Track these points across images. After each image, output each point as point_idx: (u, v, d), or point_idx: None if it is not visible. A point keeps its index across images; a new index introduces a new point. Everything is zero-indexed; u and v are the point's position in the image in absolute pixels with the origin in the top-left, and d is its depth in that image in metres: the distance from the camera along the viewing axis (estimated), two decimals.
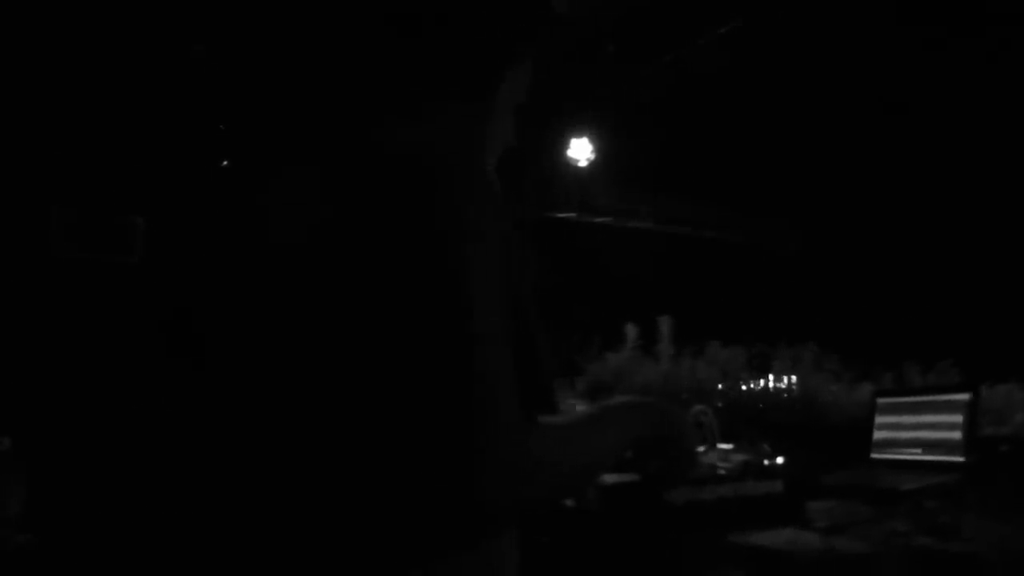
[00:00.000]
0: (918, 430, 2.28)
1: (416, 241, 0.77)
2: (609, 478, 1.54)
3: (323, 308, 0.79)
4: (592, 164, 4.51)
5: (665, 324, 3.43)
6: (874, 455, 2.39)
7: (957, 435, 2.15)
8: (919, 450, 2.25)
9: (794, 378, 3.44)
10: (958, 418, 2.17)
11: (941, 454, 2.17)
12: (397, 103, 0.92)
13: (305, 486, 0.79)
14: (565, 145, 4.49)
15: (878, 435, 2.41)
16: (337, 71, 0.95)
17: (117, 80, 3.29)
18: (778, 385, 3.43)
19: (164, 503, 0.90)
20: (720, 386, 3.38)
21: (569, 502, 1.59)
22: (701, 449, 2.09)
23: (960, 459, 2.11)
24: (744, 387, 3.39)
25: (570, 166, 4.50)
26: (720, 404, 3.09)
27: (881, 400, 2.47)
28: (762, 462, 1.95)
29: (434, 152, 0.82)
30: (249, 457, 0.84)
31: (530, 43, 1.01)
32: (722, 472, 1.78)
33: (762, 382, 3.45)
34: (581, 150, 4.45)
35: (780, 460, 1.97)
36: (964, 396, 2.19)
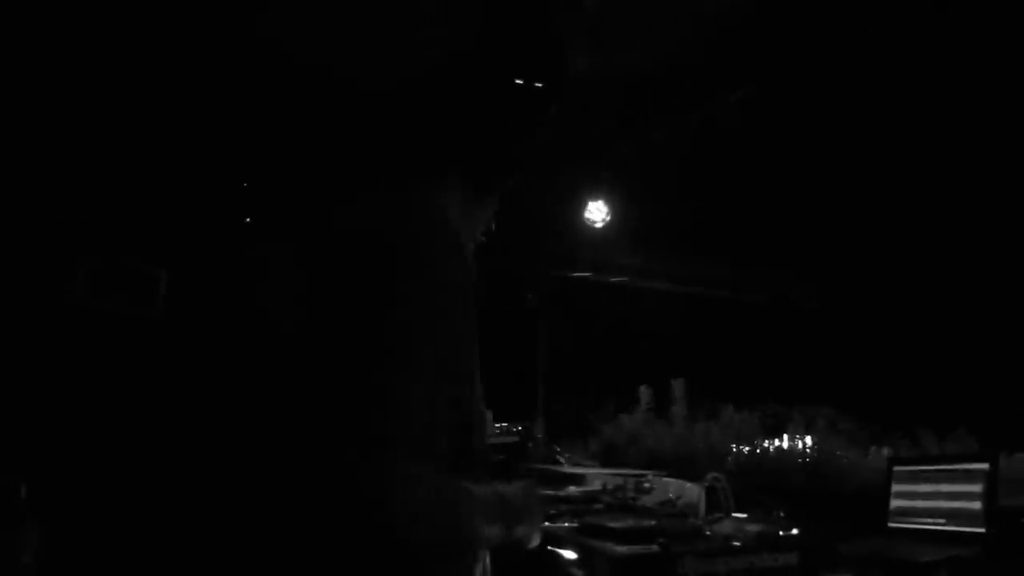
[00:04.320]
0: (936, 499, 2.25)
1: (363, 310, 0.83)
2: (622, 550, 1.53)
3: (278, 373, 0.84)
4: (607, 225, 4.53)
5: (679, 387, 3.42)
6: (891, 524, 2.35)
7: (977, 505, 2.12)
8: (937, 520, 2.21)
9: (808, 440, 3.40)
10: (977, 488, 2.14)
11: (960, 524, 2.14)
12: (366, 184, 0.97)
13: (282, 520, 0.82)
14: (582, 207, 4.52)
15: (895, 503, 2.38)
16: (308, 153, 1.01)
17: (144, 130, 3.36)
18: (793, 446, 3.39)
19: (176, 550, 0.95)
20: (734, 448, 3.35)
21: (581, 573, 1.58)
22: (717, 516, 2.07)
23: (980, 530, 2.08)
24: (758, 450, 3.35)
25: (587, 228, 4.52)
26: (733, 469, 3.06)
27: (898, 468, 2.44)
28: (777, 532, 1.92)
29: (392, 231, 0.87)
30: (238, 492, 0.88)
31: (520, 139, 1.04)
32: (736, 544, 1.76)
33: (777, 442, 3.42)
34: (598, 212, 4.48)
35: (795, 531, 1.95)
36: (983, 466, 2.16)
